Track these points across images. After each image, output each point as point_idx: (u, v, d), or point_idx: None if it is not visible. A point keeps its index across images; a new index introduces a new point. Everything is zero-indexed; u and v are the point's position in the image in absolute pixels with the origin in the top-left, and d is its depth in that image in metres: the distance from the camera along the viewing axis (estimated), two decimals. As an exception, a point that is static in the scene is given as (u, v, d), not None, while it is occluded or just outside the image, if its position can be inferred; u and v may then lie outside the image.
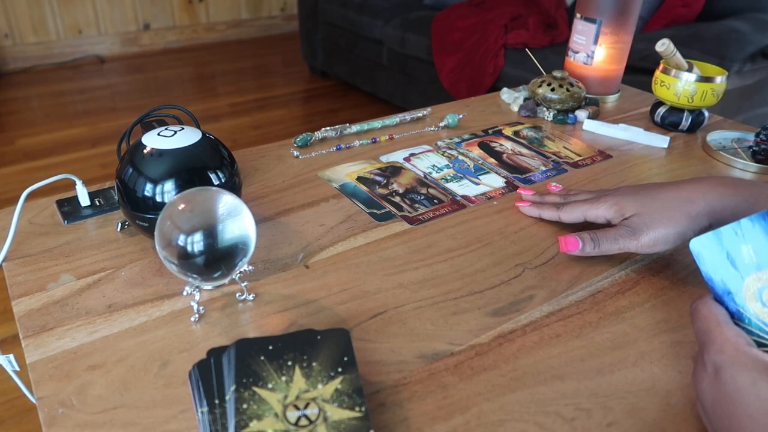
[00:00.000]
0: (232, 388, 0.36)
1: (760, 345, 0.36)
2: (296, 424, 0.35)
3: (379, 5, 2.62)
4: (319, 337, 0.39)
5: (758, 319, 0.36)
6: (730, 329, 0.36)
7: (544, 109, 0.89)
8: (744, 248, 0.36)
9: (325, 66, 3.05)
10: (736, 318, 0.37)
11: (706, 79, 0.80)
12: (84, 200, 0.62)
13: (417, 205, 0.65)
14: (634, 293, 0.53)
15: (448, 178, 0.71)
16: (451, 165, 0.74)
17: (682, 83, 0.81)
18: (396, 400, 0.41)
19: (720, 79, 0.80)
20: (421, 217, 0.63)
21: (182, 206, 0.45)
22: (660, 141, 0.81)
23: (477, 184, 0.70)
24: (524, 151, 0.79)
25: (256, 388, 0.36)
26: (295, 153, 0.76)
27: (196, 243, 0.44)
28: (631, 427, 0.40)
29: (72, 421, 0.39)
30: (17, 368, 0.50)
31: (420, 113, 0.87)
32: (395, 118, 0.85)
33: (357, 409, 0.36)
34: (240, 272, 0.51)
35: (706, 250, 0.37)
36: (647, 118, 0.91)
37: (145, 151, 0.52)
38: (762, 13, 1.88)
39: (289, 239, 0.59)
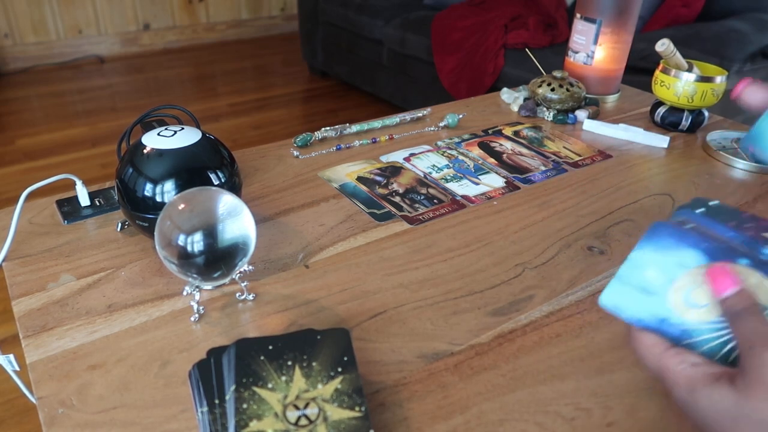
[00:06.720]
0: (232, 387, 0.36)
1: (712, 351, 0.34)
2: (296, 423, 0.35)
3: (379, 5, 2.62)
4: (319, 337, 0.39)
5: (702, 323, 0.34)
6: (672, 358, 0.33)
7: (544, 109, 0.89)
8: (649, 273, 0.35)
9: (325, 66, 3.05)
10: (683, 337, 0.35)
11: (706, 79, 0.80)
12: (84, 200, 0.62)
13: (417, 205, 0.65)
14: (634, 293, 0.53)
15: (448, 178, 0.71)
16: (451, 165, 0.74)
17: (682, 83, 0.81)
18: (396, 400, 0.41)
19: (720, 79, 0.80)
20: (421, 217, 0.63)
21: (182, 206, 0.45)
22: (660, 141, 0.81)
23: (477, 184, 0.70)
24: (524, 151, 0.79)
25: (256, 388, 0.36)
26: (295, 153, 0.76)
27: (196, 243, 0.44)
28: (631, 427, 0.40)
29: (72, 421, 0.39)
30: (17, 368, 0.50)
31: (420, 113, 0.87)
32: (395, 118, 0.85)
33: (357, 408, 0.36)
34: (240, 272, 0.51)
35: (618, 297, 0.36)
36: (647, 118, 0.91)
37: (145, 151, 0.52)
38: (762, 13, 1.88)
39: (289, 239, 0.59)
